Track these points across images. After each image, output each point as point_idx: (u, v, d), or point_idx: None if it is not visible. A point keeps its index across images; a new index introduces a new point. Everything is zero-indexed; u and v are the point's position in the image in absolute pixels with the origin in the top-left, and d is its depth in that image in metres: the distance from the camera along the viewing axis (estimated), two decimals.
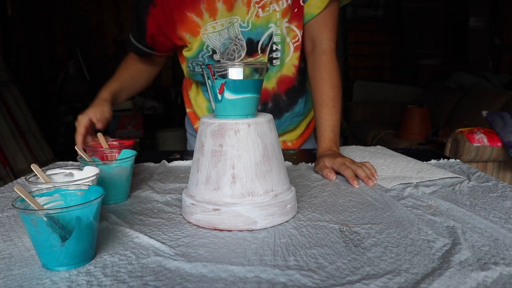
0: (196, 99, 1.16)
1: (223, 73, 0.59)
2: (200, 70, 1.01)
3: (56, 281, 0.44)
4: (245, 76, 0.60)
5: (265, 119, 0.61)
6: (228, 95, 0.60)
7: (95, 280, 0.45)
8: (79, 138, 0.89)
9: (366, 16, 4.86)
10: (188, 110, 1.20)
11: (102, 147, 0.84)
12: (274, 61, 1.00)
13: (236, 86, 0.59)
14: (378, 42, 4.92)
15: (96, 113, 0.93)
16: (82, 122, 0.90)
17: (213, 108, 0.63)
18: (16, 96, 3.14)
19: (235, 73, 0.59)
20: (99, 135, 0.87)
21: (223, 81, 0.59)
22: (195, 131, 1.18)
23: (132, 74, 1.10)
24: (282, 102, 1.07)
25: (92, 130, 0.93)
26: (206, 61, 1.00)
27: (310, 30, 0.98)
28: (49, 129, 3.84)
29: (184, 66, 1.07)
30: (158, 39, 1.01)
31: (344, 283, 0.43)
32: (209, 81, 0.61)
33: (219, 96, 0.60)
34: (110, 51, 4.70)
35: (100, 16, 4.67)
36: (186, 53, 1.01)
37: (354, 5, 4.81)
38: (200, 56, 0.99)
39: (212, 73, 0.60)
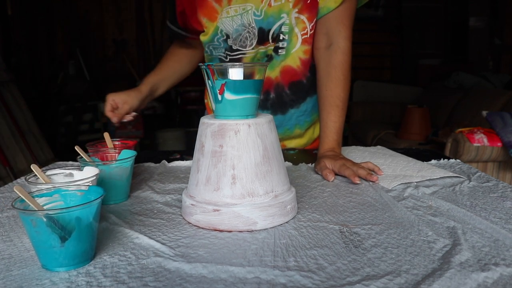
0: None
1: (223, 72, 0.59)
2: (218, 52, 1.04)
3: (56, 281, 0.44)
4: (245, 76, 0.59)
5: (265, 119, 0.61)
6: (228, 95, 0.59)
7: (94, 281, 0.44)
8: (106, 108, 1.01)
9: (366, 16, 4.85)
10: (205, 100, 1.22)
11: (107, 147, 0.83)
12: (279, 51, 0.99)
13: (236, 87, 0.59)
14: (378, 42, 4.92)
15: (119, 97, 1.02)
16: (108, 100, 1.01)
17: (213, 109, 0.63)
18: (16, 96, 3.14)
19: (235, 73, 0.59)
20: (105, 134, 0.87)
21: (223, 81, 0.59)
22: None
23: (171, 65, 1.17)
24: (285, 96, 1.06)
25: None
26: (222, 45, 1.01)
27: (327, 25, 0.96)
28: (49, 129, 3.83)
29: (205, 50, 1.10)
30: (186, 20, 1.04)
31: (344, 284, 0.43)
32: (209, 81, 0.61)
33: (219, 97, 0.60)
34: (110, 51, 4.70)
35: (100, 16, 4.67)
36: (202, 37, 1.03)
37: None
38: (215, 40, 1.01)
39: (212, 74, 0.59)
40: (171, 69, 1.16)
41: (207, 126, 0.60)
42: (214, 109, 0.63)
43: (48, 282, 0.44)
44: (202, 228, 0.59)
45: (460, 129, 2.31)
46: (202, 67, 0.61)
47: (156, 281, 0.44)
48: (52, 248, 0.46)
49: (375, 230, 0.57)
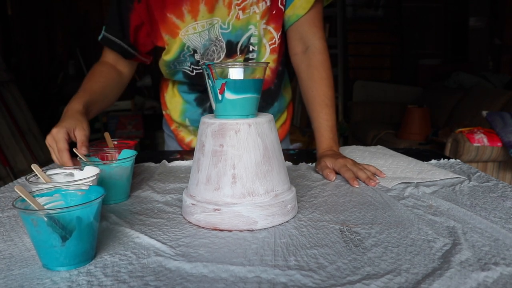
0: (171, 102, 1.13)
1: (223, 73, 0.59)
2: (183, 66, 1.00)
3: (57, 281, 0.45)
4: (245, 76, 0.60)
5: (266, 119, 0.61)
6: (228, 95, 0.60)
7: (95, 280, 0.45)
8: (65, 156, 0.74)
9: (366, 16, 4.85)
10: (164, 112, 1.18)
11: (108, 147, 0.83)
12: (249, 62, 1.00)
13: (236, 86, 0.59)
14: (378, 42, 4.91)
15: (75, 128, 0.78)
16: (61, 137, 0.76)
17: (214, 108, 0.63)
18: (16, 96, 3.14)
19: (236, 73, 0.59)
20: (106, 134, 0.86)
21: (223, 81, 0.59)
22: (172, 132, 1.18)
23: (103, 85, 0.97)
24: None
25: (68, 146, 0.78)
26: (188, 59, 0.99)
27: (300, 30, 0.98)
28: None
29: (163, 69, 1.04)
30: (140, 37, 0.97)
31: (345, 283, 0.43)
32: (209, 81, 0.61)
33: (220, 96, 0.60)
34: None
35: (100, 16, 4.67)
36: (165, 56, 0.99)
37: (354, 5, 4.81)
38: (181, 56, 0.98)
39: (213, 73, 0.60)
40: (101, 88, 0.96)
41: (208, 125, 0.60)
42: (214, 108, 0.63)
43: (49, 282, 0.44)
44: (203, 227, 0.59)
45: (460, 129, 2.31)
46: (203, 66, 0.61)
47: (156, 280, 0.44)
48: (53, 248, 0.46)
49: (375, 229, 0.57)
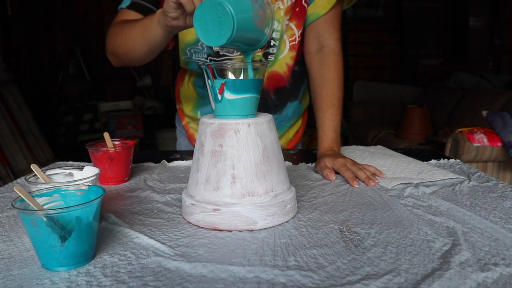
0: (185, 95, 1.13)
1: (223, 72, 0.59)
2: (199, 57, 1.00)
3: (56, 281, 0.44)
4: (245, 76, 0.60)
5: (265, 119, 0.61)
6: (228, 95, 0.60)
7: (94, 281, 0.44)
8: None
9: (366, 16, 4.86)
10: (177, 106, 1.19)
11: (107, 147, 0.83)
12: (269, 57, 1.00)
13: (236, 86, 0.59)
14: (378, 42, 4.92)
15: None
16: None
17: (213, 108, 0.63)
18: (16, 96, 3.14)
19: (235, 73, 0.59)
20: (105, 134, 0.86)
21: (223, 81, 0.59)
22: (183, 127, 1.18)
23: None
24: (270, 101, 1.06)
25: None
26: (204, 50, 0.99)
27: (318, 29, 0.99)
28: (49, 129, 3.83)
29: (180, 55, 1.04)
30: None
31: (344, 284, 0.43)
32: (209, 81, 0.61)
33: (219, 96, 0.60)
34: None
35: (100, 16, 4.67)
36: (184, 37, 0.98)
37: (354, 5, 4.79)
38: (199, 44, 0.99)
39: (212, 73, 0.60)
40: None
41: (207, 125, 0.60)
42: (214, 108, 0.63)
43: (48, 282, 0.44)
44: (202, 227, 0.59)
45: (460, 129, 2.31)
46: (202, 66, 0.61)
47: (156, 280, 0.44)
48: (52, 248, 0.46)
49: (375, 229, 0.57)
